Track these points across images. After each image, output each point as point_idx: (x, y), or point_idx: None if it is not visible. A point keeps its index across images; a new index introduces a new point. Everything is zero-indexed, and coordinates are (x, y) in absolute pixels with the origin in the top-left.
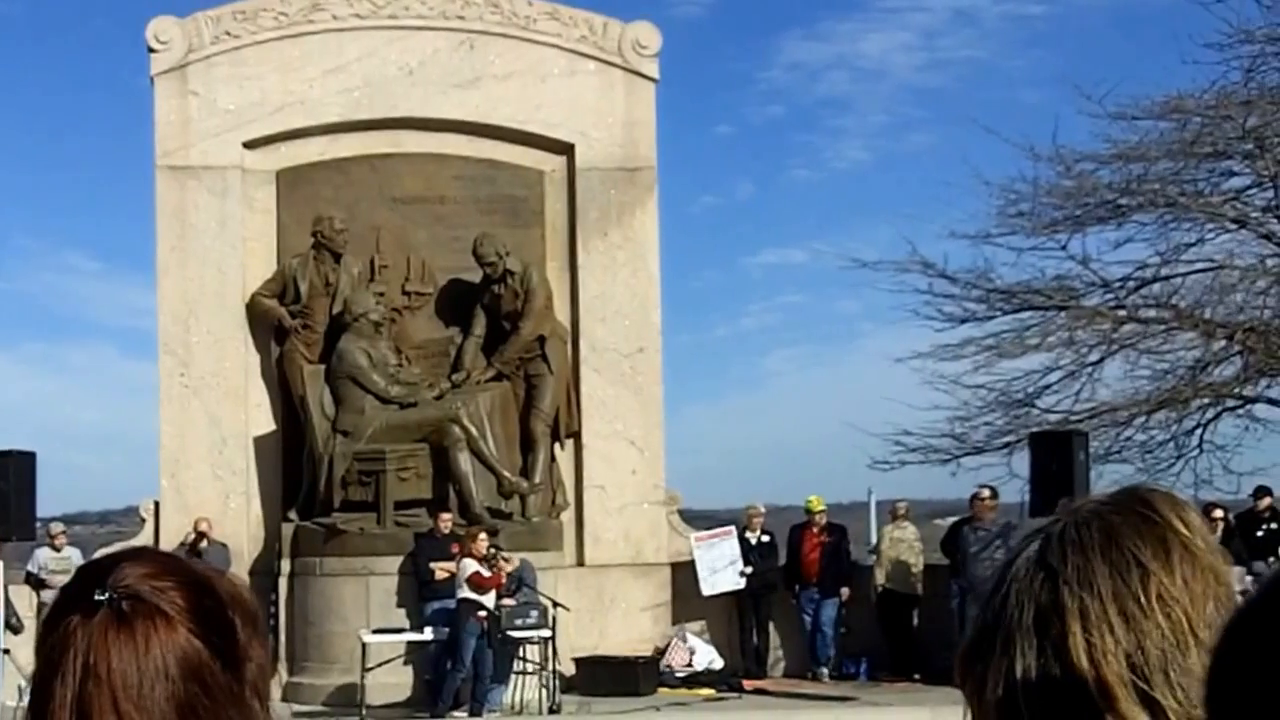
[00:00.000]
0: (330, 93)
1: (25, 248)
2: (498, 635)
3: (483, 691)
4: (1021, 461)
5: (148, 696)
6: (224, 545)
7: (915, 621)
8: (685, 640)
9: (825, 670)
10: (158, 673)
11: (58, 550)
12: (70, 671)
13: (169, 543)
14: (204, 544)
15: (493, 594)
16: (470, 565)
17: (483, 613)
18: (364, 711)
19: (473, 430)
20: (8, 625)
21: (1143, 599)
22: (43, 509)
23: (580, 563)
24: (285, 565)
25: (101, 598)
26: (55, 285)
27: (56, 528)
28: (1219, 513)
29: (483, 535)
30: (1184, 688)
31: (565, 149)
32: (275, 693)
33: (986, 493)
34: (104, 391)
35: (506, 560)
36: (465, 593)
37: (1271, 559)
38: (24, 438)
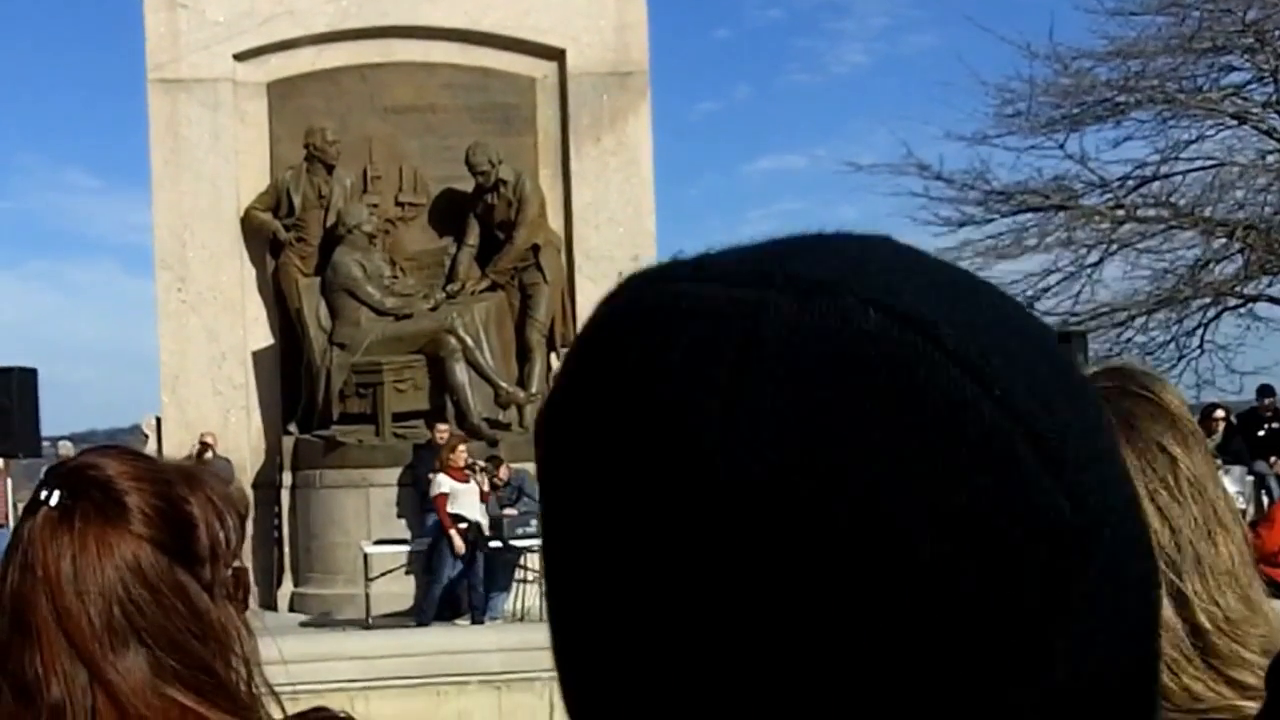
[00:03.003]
0: (319, 1)
1: (27, 165)
2: (485, 542)
3: (478, 599)
4: None
5: (86, 590)
6: (227, 460)
7: None
8: None
9: None
10: (91, 567)
11: None
12: (13, 566)
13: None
14: (208, 455)
15: (477, 504)
16: (443, 483)
17: (464, 525)
18: (369, 620)
19: (468, 341)
20: None
21: (1174, 486)
22: (53, 428)
23: None
24: (287, 478)
25: (46, 494)
26: (57, 203)
27: (66, 447)
28: (1220, 413)
29: (461, 446)
30: (1212, 573)
31: (556, 55)
32: (282, 603)
33: None
34: (108, 308)
35: (483, 470)
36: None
37: (1274, 458)
38: (29, 356)
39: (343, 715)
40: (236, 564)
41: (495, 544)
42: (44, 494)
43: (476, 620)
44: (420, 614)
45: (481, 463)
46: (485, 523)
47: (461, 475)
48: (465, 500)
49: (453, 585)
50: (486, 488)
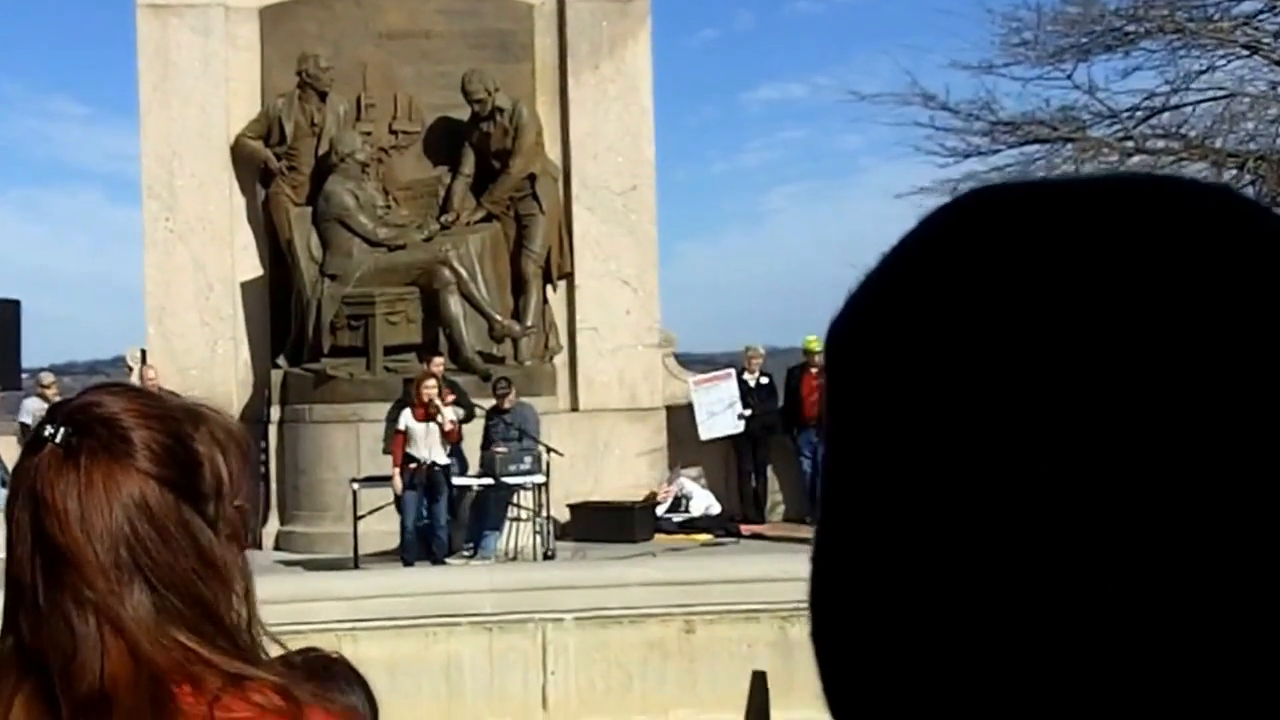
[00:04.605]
0: None
1: (10, 93)
2: (449, 485)
3: (439, 546)
4: None
5: (92, 528)
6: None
7: None
8: (682, 485)
9: None
10: (98, 506)
11: (48, 401)
12: (22, 503)
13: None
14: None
15: (434, 445)
16: (403, 419)
17: (414, 465)
18: (356, 560)
19: (463, 273)
20: None
21: None
22: (32, 360)
23: (574, 407)
24: (275, 412)
25: (52, 431)
26: (41, 131)
27: (47, 378)
28: None
29: (429, 381)
30: None
31: None
32: (268, 541)
33: None
34: (91, 239)
35: (449, 405)
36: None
37: None
38: (11, 286)
39: (334, 655)
40: (238, 502)
41: (487, 481)
42: (48, 430)
43: (437, 562)
44: (403, 558)
45: (448, 403)
46: (457, 465)
47: (423, 413)
48: (420, 441)
49: (434, 528)
50: (449, 426)
